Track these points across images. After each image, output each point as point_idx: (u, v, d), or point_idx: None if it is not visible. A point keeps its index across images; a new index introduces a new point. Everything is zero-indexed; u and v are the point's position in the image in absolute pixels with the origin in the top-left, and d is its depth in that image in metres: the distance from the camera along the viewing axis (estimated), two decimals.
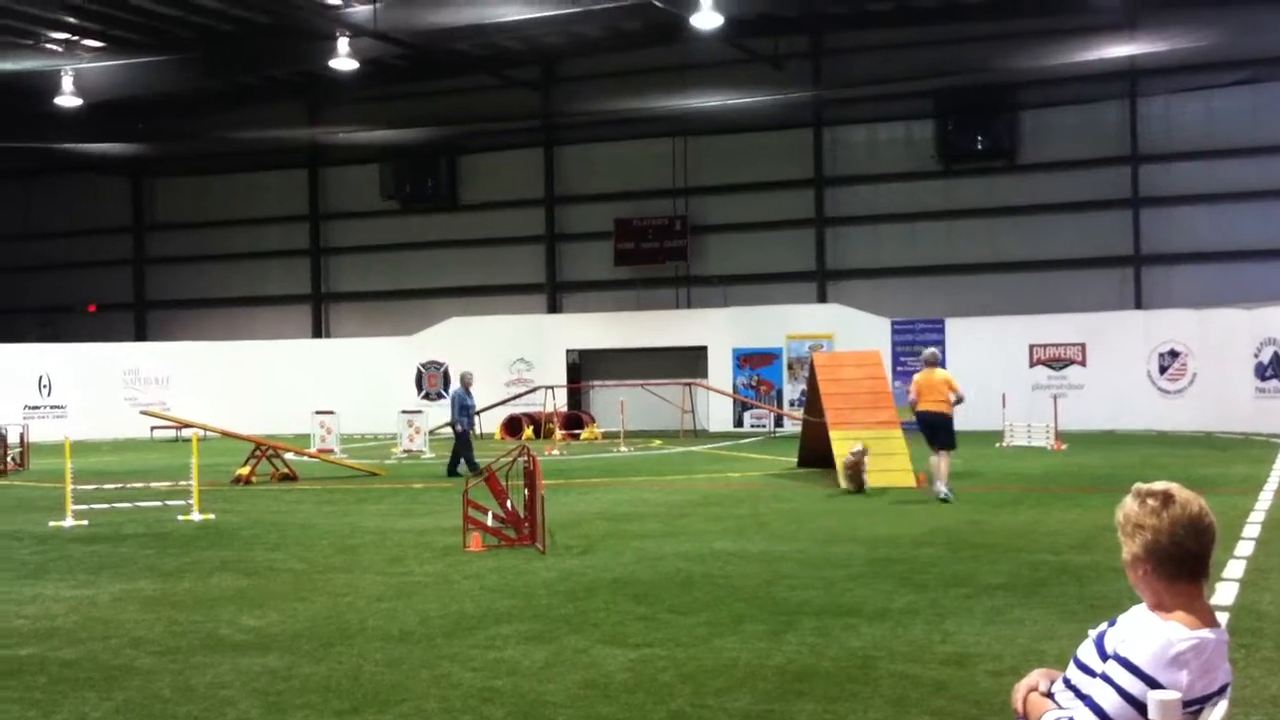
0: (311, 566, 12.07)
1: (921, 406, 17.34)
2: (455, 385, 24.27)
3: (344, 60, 30.96)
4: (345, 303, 43.17)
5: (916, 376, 17.86)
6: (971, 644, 8.22)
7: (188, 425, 24.54)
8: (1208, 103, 33.62)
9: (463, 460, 22.64)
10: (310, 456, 25.13)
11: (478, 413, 35.45)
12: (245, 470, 21.76)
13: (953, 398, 17.25)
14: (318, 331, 43.10)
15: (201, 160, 42.72)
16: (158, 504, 17.77)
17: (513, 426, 34.47)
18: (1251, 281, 32.20)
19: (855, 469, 18.42)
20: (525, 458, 13.64)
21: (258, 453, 22.24)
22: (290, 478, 22.04)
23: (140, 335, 44.39)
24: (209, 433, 24.66)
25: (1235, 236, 33.03)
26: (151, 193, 45.38)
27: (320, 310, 43.34)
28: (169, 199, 45.14)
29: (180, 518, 16.20)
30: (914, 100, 35.76)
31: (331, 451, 27.26)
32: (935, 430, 17.25)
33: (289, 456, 23.07)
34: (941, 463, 16.99)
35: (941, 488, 16.78)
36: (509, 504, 13.31)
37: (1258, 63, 32.32)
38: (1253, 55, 32.02)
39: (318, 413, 29.40)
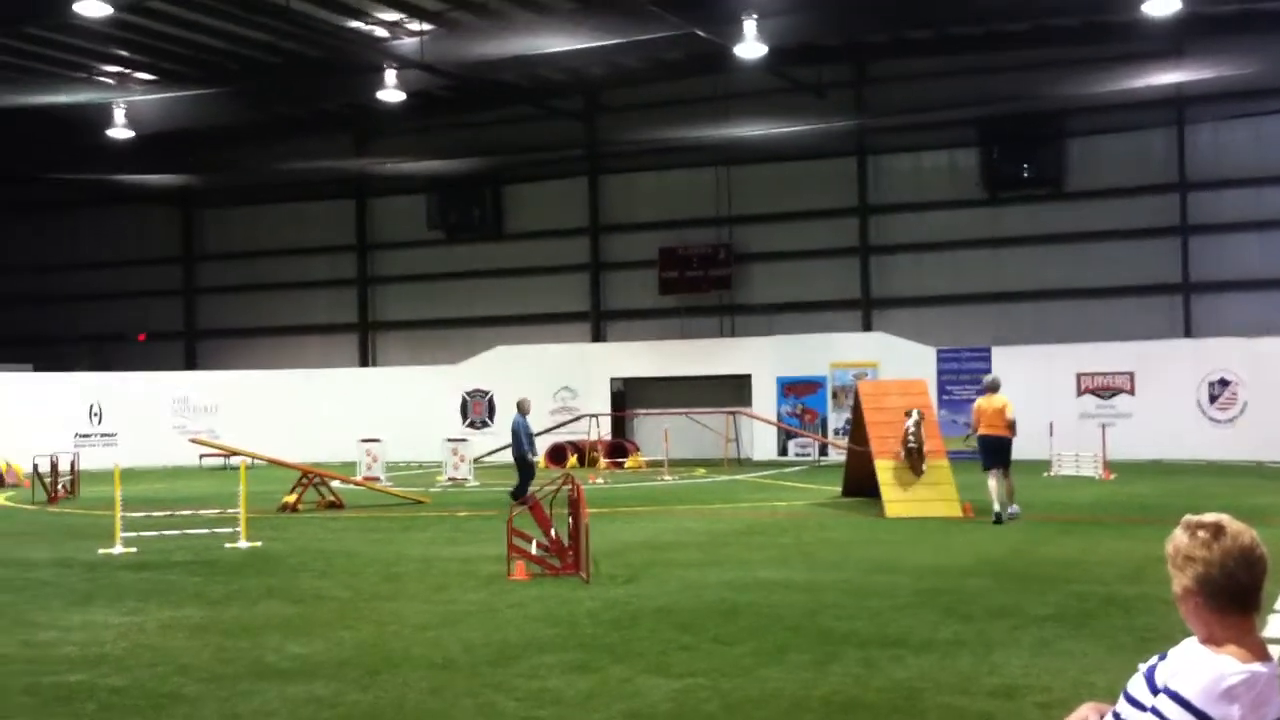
0: (357, 594, 12.12)
1: (983, 430, 18.34)
2: (515, 414, 23.55)
3: (391, 92, 31.24)
4: (391, 331, 43.44)
5: (979, 401, 18.81)
6: (1019, 676, 8.14)
7: (236, 453, 24.73)
8: (1256, 129, 33.33)
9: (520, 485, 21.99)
10: (356, 484, 25.25)
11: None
12: (292, 498, 21.89)
13: (1009, 422, 18.22)
14: (364, 360, 43.38)
15: (250, 191, 43.19)
16: (205, 531, 17.90)
17: (557, 455, 34.50)
18: None
19: (908, 442, 18.69)
20: (569, 486, 13.65)
21: (304, 480, 22.37)
22: (336, 505, 22.15)
23: (190, 364, 44.84)
24: (256, 460, 24.84)
25: None
26: (201, 223, 45.92)
27: (367, 339, 43.63)
28: (218, 229, 45.66)
29: (227, 545, 16.32)
30: (958, 128, 35.66)
31: (377, 479, 27.40)
32: (995, 453, 18.09)
33: (335, 484, 23.20)
34: (1002, 484, 17.79)
35: (1012, 508, 17.80)
36: (553, 532, 13.32)
37: None
38: None
39: (363, 440, 29.55)
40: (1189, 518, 3.27)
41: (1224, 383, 32.08)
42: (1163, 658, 3.26)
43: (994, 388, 18.67)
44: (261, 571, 13.92)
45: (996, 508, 17.56)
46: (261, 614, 11.08)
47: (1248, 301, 33.13)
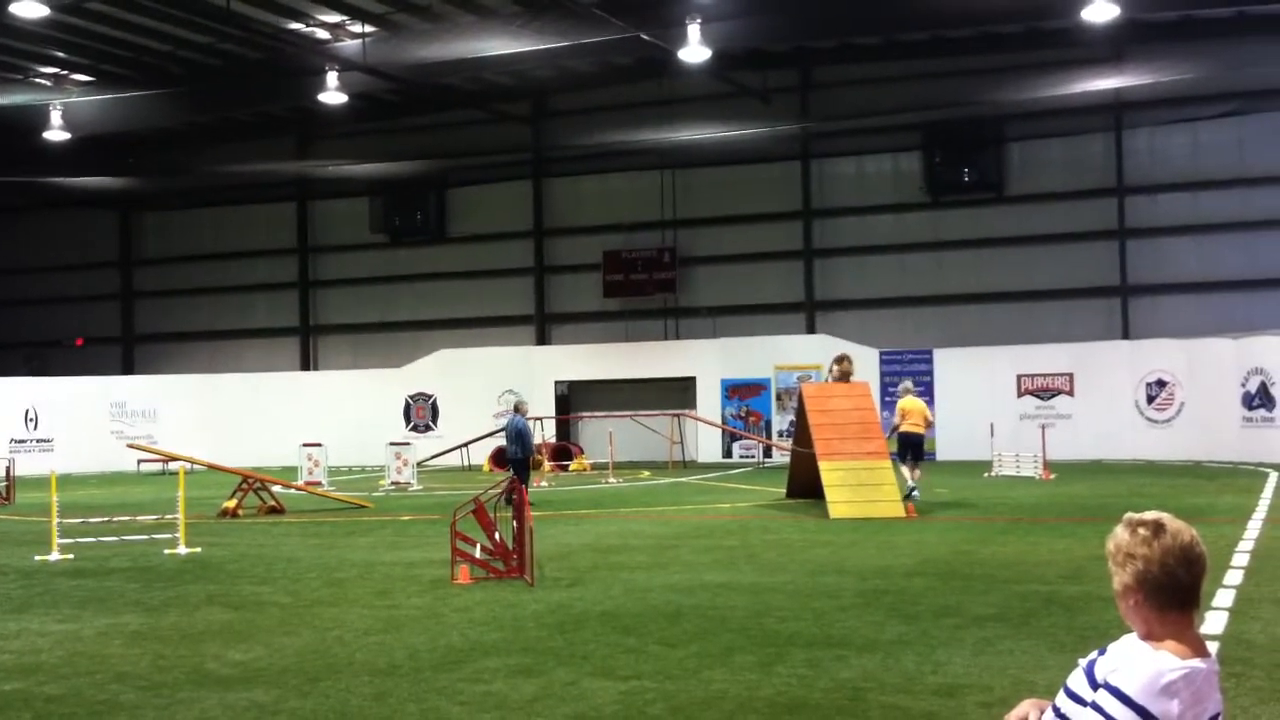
0: (298, 600, 12.00)
1: (905, 427, 21.59)
2: (512, 415, 23.74)
3: (333, 94, 31.03)
4: (333, 335, 43.13)
5: (901, 402, 22.17)
6: (961, 675, 8.20)
7: (174, 458, 24.47)
8: (1192, 135, 33.83)
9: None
10: (298, 489, 25.04)
11: (467, 444, 35.64)
12: (232, 503, 21.68)
13: (928, 421, 21.90)
14: (306, 364, 43.04)
15: (190, 194, 42.75)
16: (144, 538, 17.68)
17: (501, 458, 34.34)
18: (1238, 312, 32.33)
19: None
20: (514, 490, 13.60)
21: (244, 485, 22.17)
22: (277, 510, 21.95)
23: (127, 369, 44.28)
24: (195, 465, 24.57)
25: (1221, 267, 33.17)
26: (140, 227, 45.38)
27: (308, 343, 43.28)
28: (157, 233, 45.15)
29: (166, 551, 16.12)
30: (901, 133, 35.94)
31: (319, 484, 27.16)
32: (915, 447, 21.53)
33: (276, 489, 22.99)
34: (915, 471, 21.25)
35: (911, 485, 20.91)
36: (497, 536, 13.27)
37: (1242, 95, 32.57)
38: (1237, 88, 32.27)
39: (305, 445, 29.32)
40: (1130, 515, 3.29)
41: (1161, 384, 32.52)
42: (1102, 653, 3.28)
43: (912, 389, 22.56)
44: (201, 578, 13.76)
45: (910, 483, 20.92)
46: (201, 621, 10.95)
47: (1184, 304, 33.62)
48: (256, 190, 42.28)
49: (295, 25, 30.99)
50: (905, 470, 21.25)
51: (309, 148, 41.87)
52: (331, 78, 30.69)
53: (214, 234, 43.74)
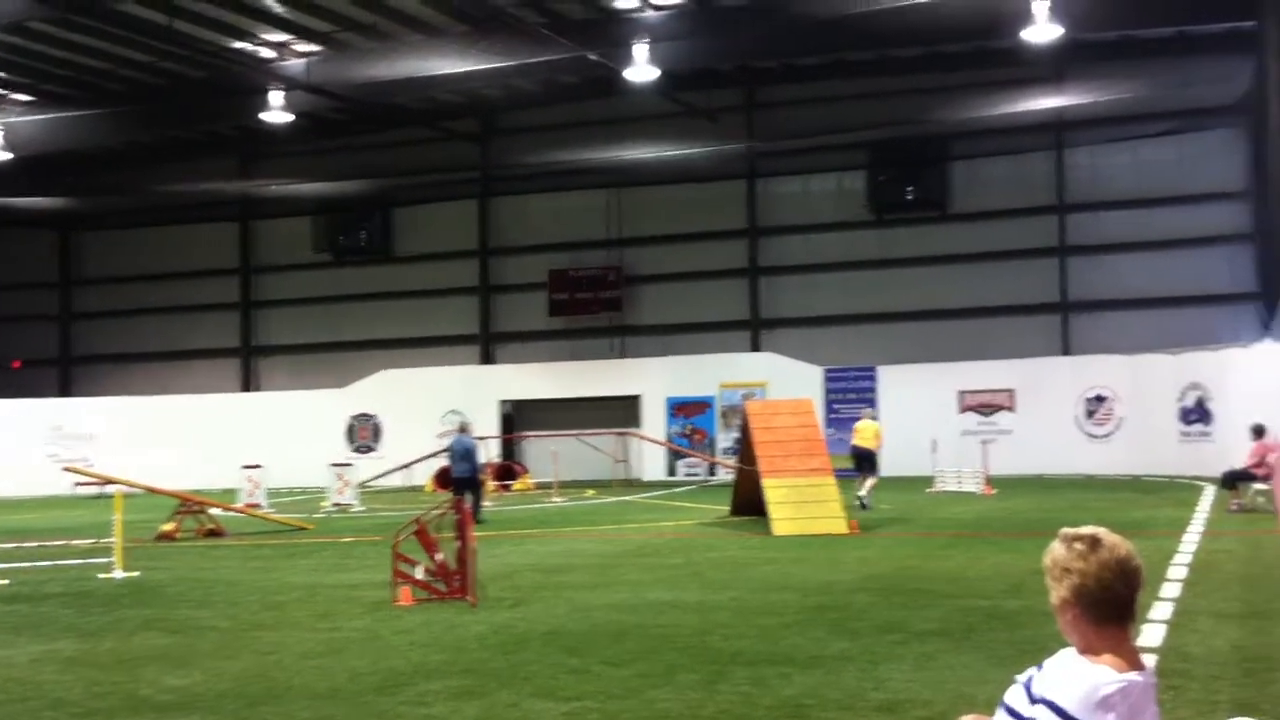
0: (238, 624, 11.83)
1: (855, 442, 24.34)
2: (459, 434, 24.24)
3: (277, 113, 30.82)
4: (275, 356, 42.75)
5: (857, 424, 24.86)
6: (903, 690, 8.20)
7: (111, 481, 24.07)
8: (1132, 153, 34.32)
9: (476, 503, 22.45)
10: (237, 511, 24.73)
11: (410, 464, 35.40)
12: (170, 526, 21.37)
13: (879, 441, 24.29)
14: (247, 385, 42.62)
15: (132, 214, 42.31)
16: (80, 562, 17.37)
17: (444, 478, 34.09)
18: (1176, 328, 32.76)
19: None
20: (455, 510, 13.49)
21: (183, 508, 21.86)
22: (217, 533, 21.67)
23: (65, 391, 43.65)
24: (133, 489, 24.20)
25: (1160, 284, 33.63)
26: (80, 247, 44.81)
27: (249, 364, 42.87)
28: (98, 253, 44.62)
29: (102, 576, 15.83)
30: (846, 152, 36.20)
31: (259, 506, 26.83)
32: (862, 460, 24.00)
33: (215, 512, 22.70)
34: (867, 481, 23.53)
35: (866, 497, 23.21)
36: (439, 557, 13.14)
37: (1181, 114, 33.09)
38: (1176, 107, 32.78)
39: (245, 467, 28.97)
40: (1066, 530, 3.29)
41: (1101, 399, 32.90)
42: (1040, 668, 3.28)
43: (873, 416, 25.48)
44: (138, 602, 13.53)
45: (861, 493, 23.12)
46: (138, 646, 10.75)
47: (1123, 320, 34.05)
48: (198, 210, 41.91)
49: (239, 44, 30.79)
50: (869, 481, 23.51)
51: (252, 167, 41.57)
52: (275, 96, 30.51)
53: (155, 254, 43.28)
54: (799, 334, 37.15)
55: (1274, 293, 29.80)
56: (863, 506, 22.59)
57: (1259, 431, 21.73)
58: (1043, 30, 25.41)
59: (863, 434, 24.19)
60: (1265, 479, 20.89)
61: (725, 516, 22.66)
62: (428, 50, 29.95)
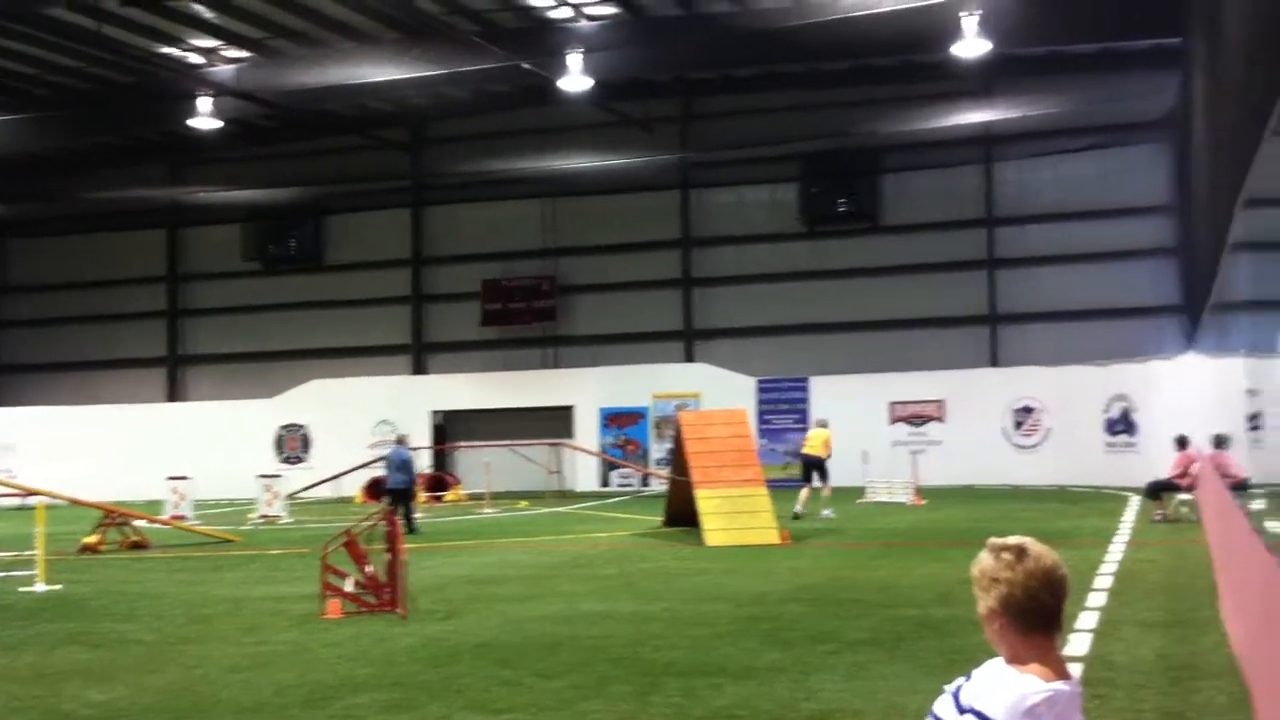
0: (162, 637, 11.64)
1: (804, 450, 24.90)
2: (396, 445, 24.62)
3: (206, 120, 30.46)
4: (203, 365, 42.19)
5: (809, 433, 25.74)
6: (834, 700, 8.23)
7: (34, 493, 23.61)
8: (1060, 168, 34.80)
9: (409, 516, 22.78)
10: (162, 523, 24.36)
11: (340, 476, 35.07)
12: (94, 538, 20.99)
13: (828, 449, 24.59)
14: (173, 395, 42.03)
15: (59, 221, 41.60)
16: (0, 575, 17.01)
17: (375, 490, 33.81)
18: (1102, 340, 33.25)
19: None
20: (386, 521, 13.38)
21: (107, 520, 21.49)
22: (141, 546, 21.32)
23: None
24: (56, 500, 23.74)
25: (1086, 296, 34.11)
26: (5, 254, 43.98)
27: (176, 373, 42.28)
28: (23, 260, 43.83)
29: (23, 589, 15.51)
30: (779, 164, 36.41)
31: (185, 518, 26.44)
32: (810, 468, 24.33)
33: (140, 524, 22.34)
34: (813, 493, 23.85)
35: (826, 511, 23.57)
36: (369, 569, 13.02)
37: (1107, 129, 33.60)
38: (1102, 122, 33.27)
39: (171, 478, 28.54)
40: (993, 540, 3.30)
41: (1028, 410, 33.31)
42: (969, 678, 3.29)
43: (823, 424, 25.52)
44: (60, 615, 13.27)
45: (798, 508, 23.25)
46: (60, 660, 10.55)
47: (1050, 332, 34.50)
48: (126, 217, 41.30)
49: (168, 49, 30.41)
50: (803, 493, 23.86)
51: (181, 173, 41.07)
52: (205, 103, 30.17)
53: (81, 261, 42.60)
54: (732, 345, 37.28)
55: (1197, 306, 30.34)
56: (795, 517, 22.54)
57: (1182, 443, 22.10)
58: (972, 45, 25.72)
59: (812, 442, 24.70)
60: (1189, 490, 21.25)
61: (658, 527, 22.66)
62: (359, 57, 29.74)
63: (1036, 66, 32.50)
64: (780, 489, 23.14)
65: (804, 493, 23.89)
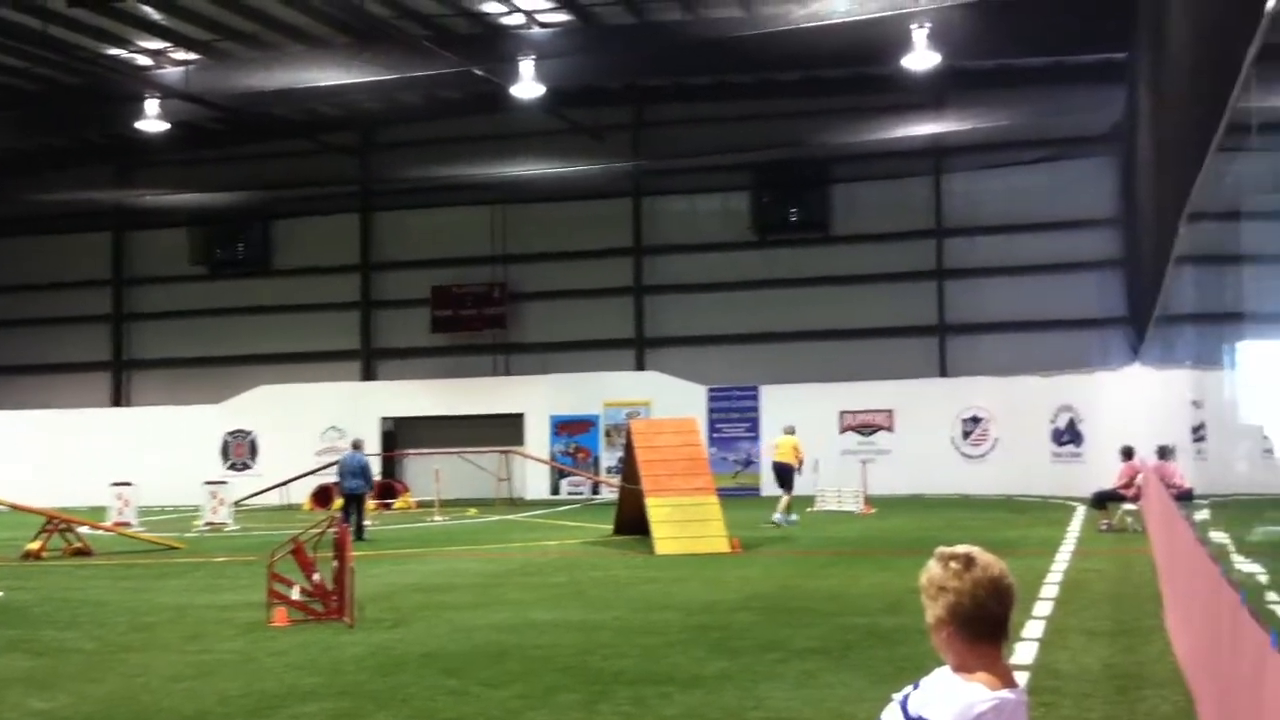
0: (105, 646, 11.49)
1: (775, 457, 24.99)
2: (351, 451, 24.55)
3: (154, 122, 30.16)
4: (148, 370, 41.70)
5: (778, 440, 25.39)
6: (783, 709, 8.23)
7: None
8: (1006, 180, 35.10)
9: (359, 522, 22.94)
10: (106, 530, 24.07)
11: (288, 482, 34.77)
12: (36, 545, 20.69)
13: (798, 456, 24.68)
14: (118, 400, 41.53)
15: (1, 223, 40.98)
16: None
17: (322, 497, 33.56)
18: (1049, 351, 33.56)
19: None
20: (334, 528, 13.27)
21: (49, 526, 21.19)
22: (84, 553, 21.04)
23: None
24: None
25: (1034, 307, 34.41)
26: None
27: (121, 378, 41.78)
28: None
29: None
30: (731, 173, 36.51)
31: (129, 525, 26.13)
32: (780, 475, 24.53)
33: (83, 530, 22.05)
34: (783, 499, 24.13)
35: (792, 517, 23.99)
36: (316, 577, 12.91)
37: (1053, 143, 33.94)
38: (1051, 135, 33.59)
39: (115, 484, 28.19)
40: (941, 549, 3.31)
41: (976, 420, 33.57)
42: (916, 686, 3.30)
43: (790, 431, 25.33)
44: (1, 623, 13.08)
45: (775, 516, 23.72)
46: (1, 668, 10.38)
47: (999, 343, 34.78)
48: (71, 219, 40.78)
49: (115, 51, 30.08)
50: (784, 500, 24.30)
51: (128, 176, 40.60)
52: (152, 105, 29.88)
53: (21, 264, 42.01)
54: (683, 353, 37.31)
55: (1142, 318, 30.70)
56: (777, 525, 23.44)
57: (1128, 453, 22.34)
58: (922, 58, 25.92)
59: (782, 449, 24.85)
60: (1134, 500, 21.48)
61: (609, 535, 22.63)
62: (309, 61, 29.54)
63: (986, 80, 32.80)
64: (731, 498, 23.19)
65: (785, 500, 24.30)
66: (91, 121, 34.92)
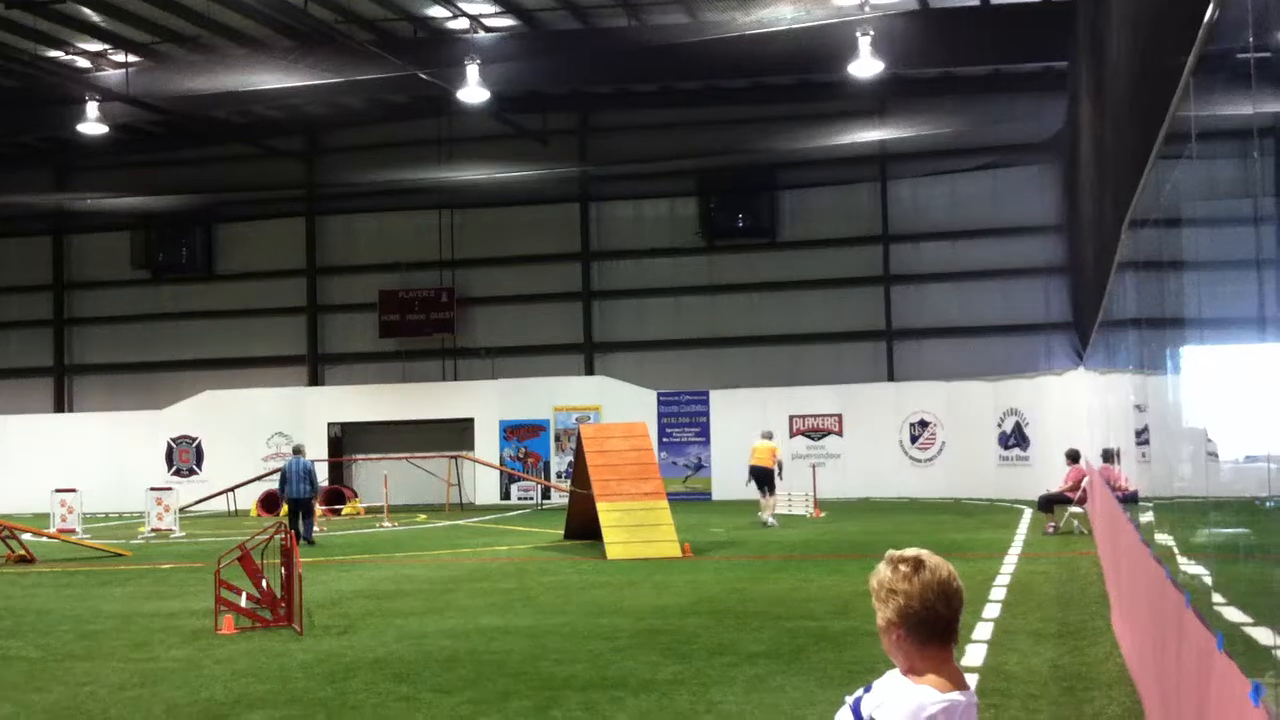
0: (49, 654, 11.35)
1: (751, 462, 25.40)
2: (294, 457, 24.49)
3: (94, 125, 29.82)
4: (90, 376, 41.17)
5: (754, 444, 25.84)
6: (734, 713, 8.27)
7: None
8: (951, 186, 35.41)
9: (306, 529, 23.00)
10: (49, 537, 23.76)
11: (234, 489, 34.44)
12: None
13: (775, 459, 25.41)
14: (60, 406, 40.97)
15: None
16: None
17: (270, 503, 33.32)
18: (994, 355, 33.87)
19: None
20: (281, 535, 13.18)
21: None
22: (27, 560, 20.77)
23: None
24: None
25: (979, 312, 34.73)
26: None
27: (63, 383, 41.23)
28: None
29: None
30: (678, 178, 36.59)
31: (73, 532, 25.81)
32: (759, 479, 25.09)
33: (26, 537, 21.75)
34: (767, 500, 25.07)
35: (768, 518, 24.81)
36: (264, 583, 12.82)
37: (996, 150, 34.23)
38: (993, 143, 33.89)
39: (58, 491, 27.84)
40: (891, 553, 3.35)
41: (924, 424, 33.82)
42: (868, 689, 3.33)
43: (768, 436, 26.21)
44: None
45: (762, 516, 24.84)
46: None
47: (944, 347, 35.06)
48: (10, 223, 40.21)
49: (54, 53, 29.70)
50: (770, 502, 25.26)
51: (68, 179, 40.07)
52: (92, 108, 29.51)
53: None
54: (632, 358, 37.34)
55: (1086, 323, 31.03)
56: (764, 525, 24.47)
57: (1073, 457, 22.59)
58: (866, 65, 26.09)
59: (759, 454, 25.36)
60: (1080, 502, 21.73)
61: (559, 540, 22.61)
62: (251, 64, 29.28)
63: (929, 87, 33.08)
64: (681, 502, 23.23)
65: (770, 501, 25.22)
66: (30, 124, 34.46)
